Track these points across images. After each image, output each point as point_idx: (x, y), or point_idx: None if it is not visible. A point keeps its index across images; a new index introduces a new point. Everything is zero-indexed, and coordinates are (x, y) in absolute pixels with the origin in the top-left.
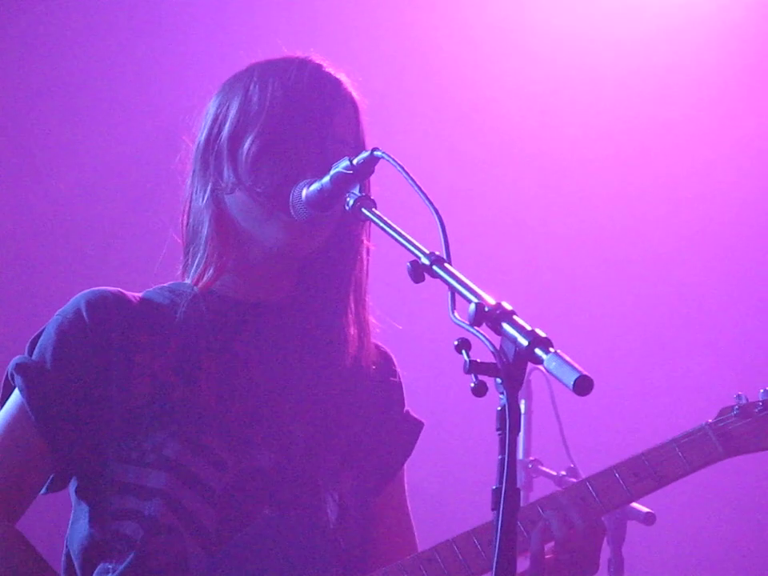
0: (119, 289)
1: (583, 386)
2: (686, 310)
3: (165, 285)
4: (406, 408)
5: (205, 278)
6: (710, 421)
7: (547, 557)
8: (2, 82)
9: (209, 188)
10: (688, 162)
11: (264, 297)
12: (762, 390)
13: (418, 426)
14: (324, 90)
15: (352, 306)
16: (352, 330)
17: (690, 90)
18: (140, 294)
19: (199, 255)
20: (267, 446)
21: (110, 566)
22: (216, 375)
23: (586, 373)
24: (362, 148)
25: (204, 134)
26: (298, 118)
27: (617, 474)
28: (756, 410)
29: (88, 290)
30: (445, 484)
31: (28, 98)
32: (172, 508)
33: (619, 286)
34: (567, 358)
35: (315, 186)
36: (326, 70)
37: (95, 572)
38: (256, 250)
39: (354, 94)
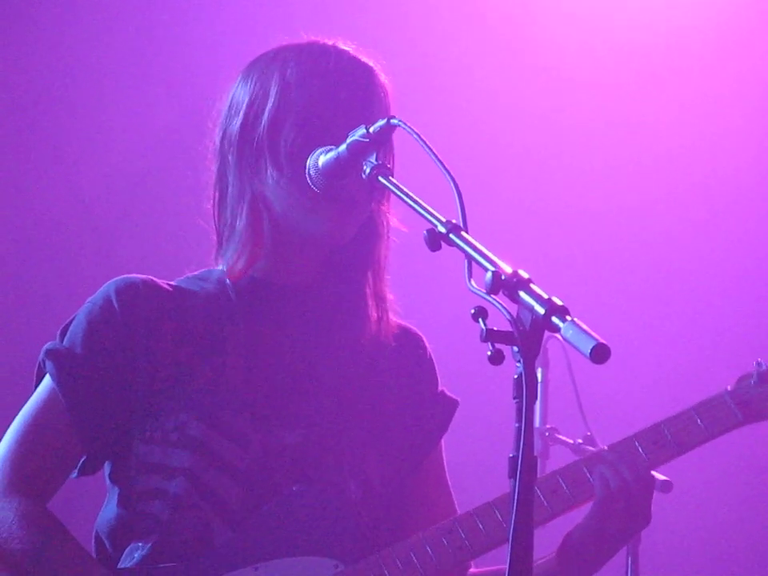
0: (150, 276)
1: (600, 353)
2: (704, 276)
3: (196, 273)
4: (440, 387)
5: (237, 267)
6: (728, 388)
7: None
8: (18, 75)
9: (245, 178)
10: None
11: (290, 280)
12: None
13: (452, 404)
14: (360, 79)
15: (371, 283)
16: (371, 310)
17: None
18: (172, 282)
19: (233, 245)
20: (291, 424)
21: (139, 544)
22: (242, 355)
23: (602, 341)
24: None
25: (238, 123)
26: (339, 108)
27: (636, 443)
28: None
29: (119, 278)
30: (462, 453)
31: (45, 90)
32: (195, 486)
33: (637, 252)
34: (584, 326)
35: (332, 155)
36: (360, 58)
37: (125, 552)
38: (293, 239)
39: (386, 81)
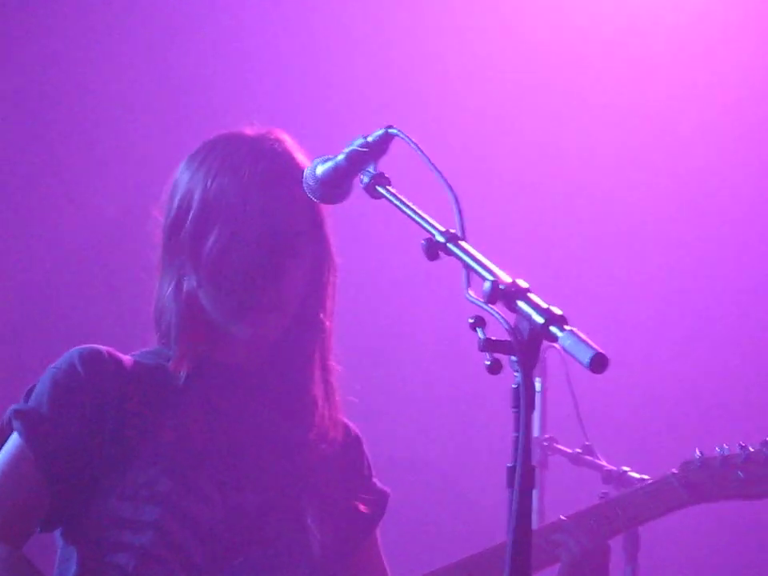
0: (109, 348)
1: (599, 363)
2: (704, 285)
3: (151, 349)
4: (373, 479)
5: (175, 361)
6: (674, 471)
7: None
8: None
9: (174, 276)
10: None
11: (237, 362)
12: (717, 448)
13: (384, 495)
14: (279, 182)
15: (317, 372)
16: (317, 392)
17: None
18: (128, 356)
19: (171, 340)
20: (251, 487)
21: None
22: (200, 423)
23: (601, 350)
24: (321, 229)
25: (170, 218)
26: (258, 218)
27: (590, 518)
28: (717, 464)
29: (80, 347)
30: (459, 462)
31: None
32: (163, 539)
33: (636, 263)
34: (582, 336)
35: (330, 164)
36: (278, 147)
37: None
38: (225, 335)
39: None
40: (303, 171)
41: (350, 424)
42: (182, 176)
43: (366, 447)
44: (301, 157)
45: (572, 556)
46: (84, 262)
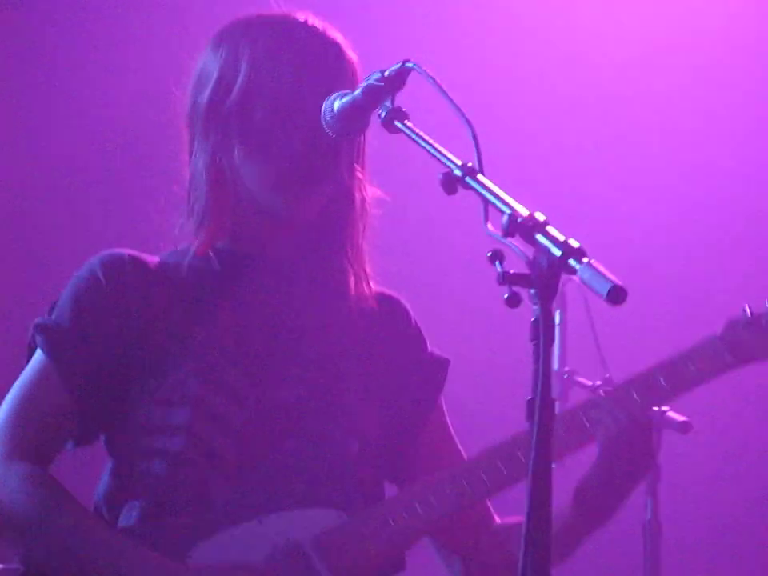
0: (131, 250)
1: (617, 295)
2: (725, 219)
3: (177, 249)
4: (429, 349)
5: (200, 240)
6: (717, 333)
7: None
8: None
9: (211, 152)
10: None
11: (268, 253)
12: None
13: (443, 364)
14: (330, 58)
15: (349, 256)
16: (350, 282)
17: None
18: (155, 258)
19: (194, 220)
20: (287, 381)
21: (135, 503)
22: (231, 318)
23: (619, 283)
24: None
25: (206, 96)
26: (308, 90)
27: (631, 389)
28: (763, 321)
29: (103, 252)
30: (479, 396)
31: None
32: (193, 443)
33: (654, 198)
34: (601, 268)
35: (347, 99)
36: (329, 34)
37: (122, 512)
38: (258, 213)
39: (354, 57)
40: (347, 54)
41: (395, 296)
42: (212, 57)
43: (414, 318)
44: (340, 37)
45: (609, 433)
46: (109, 158)
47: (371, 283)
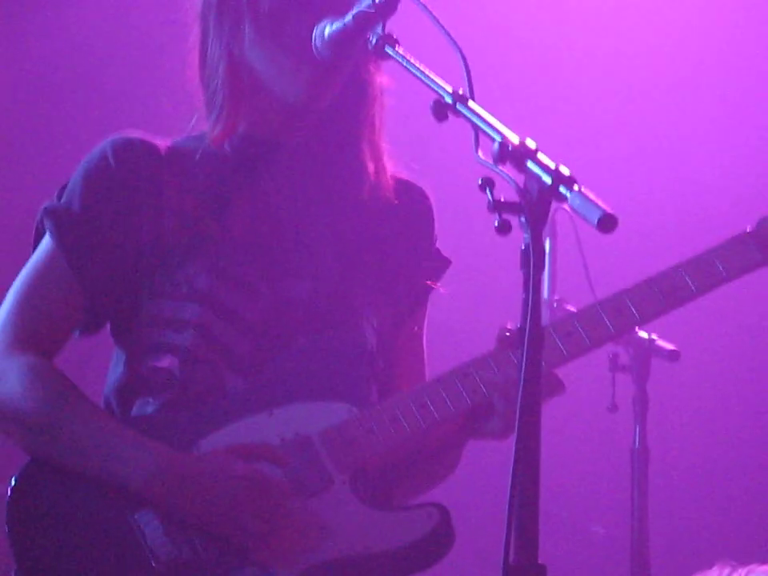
0: (144, 133)
1: (607, 223)
2: (718, 139)
3: (192, 134)
4: (436, 244)
5: (215, 131)
6: (748, 230)
7: None
8: None
9: (225, 40)
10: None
11: (285, 138)
12: None
13: (444, 262)
14: None
15: (366, 148)
16: (368, 165)
17: None
18: (167, 141)
19: (212, 108)
20: (300, 275)
21: (149, 399)
22: (244, 209)
23: (610, 210)
24: None
25: None
26: None
27: (653, 287)
28: None
29: (115, 136)
30: (469, 325)
31: None
32: (205, 339)
33: (645, 124)
34: (591, 196)
35: (338, 25)
36: None
37: (135, 406)
38: (273, 101)
39: None
40: None
41: (420, 185)
42: None
43: (434, 212)
44: None
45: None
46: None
47: (390, 172)
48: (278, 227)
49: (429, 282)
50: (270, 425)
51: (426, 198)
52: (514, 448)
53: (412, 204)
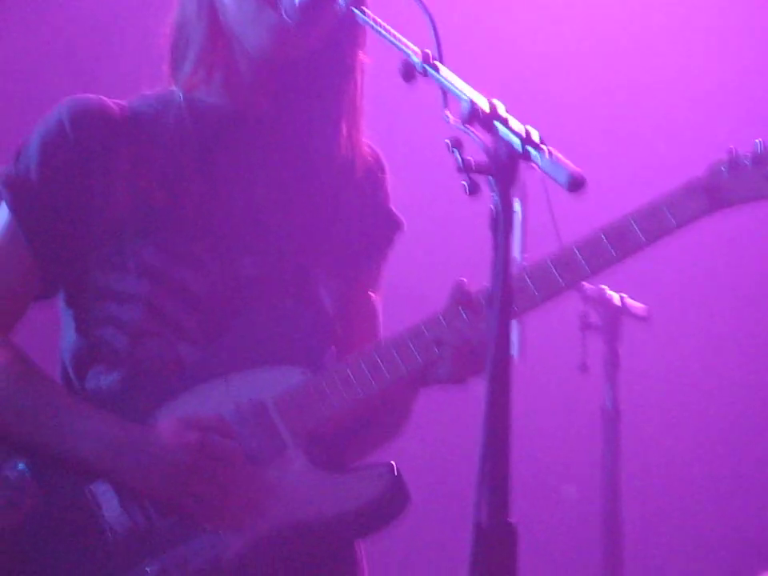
0: (102, 98)
1: (576, 182)
2: (688, 117)
3: (149, 93)
4: (390, 205)
5: (194, 78)
6: (698, 176)
7: None
8: None
9: None
10: None
11: (250, 108)
12: (757, 141)
13: (397, 223)
14: None
15: (344, 128)
16: (343, 149)
17: None
18: (125, 103)
19: (189, 56)
20: (252, 253)
21: (101, 368)
22: (199, 184)
23: (578, 170)
24: None
25: None
26: None
27: (603, 236)
28: (745, 162)
29: (70, 99)
30: (439, 285)
31: None
32: (154, 314)
33: (613, 81)
34: (560, 156)
35: None
36: None
37: (87, 376)
38: (242, 54)
39: None
40: None
41: (374, 147)
42: None
43: (387, 175)
44: None
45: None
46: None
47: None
48: (233, 203)
49: (381, 239)
50: (225, 391)
51: (379, 160)
52: (484, 409)
53: (366, 166)
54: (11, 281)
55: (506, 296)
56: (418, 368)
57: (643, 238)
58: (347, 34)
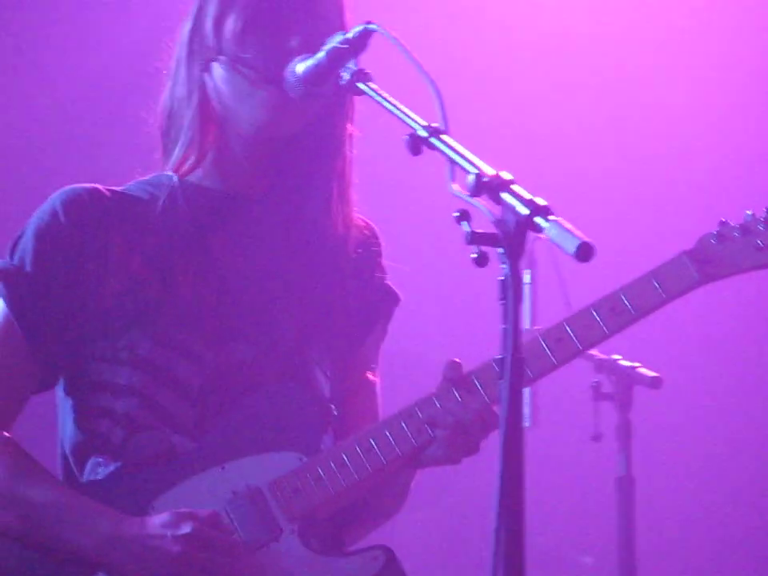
0: (95, 185)
1: (585, 252)
2: (685, 174)
3: (145, 178)
4: (386, 280)
5: (186, 164)
6: (687, 248)
7: None
8: None
9: (194, 73)
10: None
11: (243, 189)
12: (747, 212)
13: (394, 297)
14: None
15: (335, 200)
16: (337, 223)
17: None
18: (119, 189)
19: (181, 140)
20: (246, 339)
21: (99, 460)
22: (193, 271)
23: (587, 239)
24: (345, 28)
25: (189, 27)
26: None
27: (594, 312)
28: (734, 234)
29: (64, 189)
30: (448, 355)
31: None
32: (147, 405)
33: (617, 153)
34: (568, 226)
35: (310, 61)
36: None
37: (87, 467)
38: (237, 134)
39: None
40: None
41: (369, 223)
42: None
43: (382, 250)
44: None
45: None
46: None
47: (355, 222)
48: (228, 291)
49: (376, 314)
50: (222, 479)
51: (374, 234)
52: (498, 479)
53: (360, 239)
54: (10, 375)
55: (517, 367)
56: (412, 450)
57: (633, 312)
58: (338, 107)
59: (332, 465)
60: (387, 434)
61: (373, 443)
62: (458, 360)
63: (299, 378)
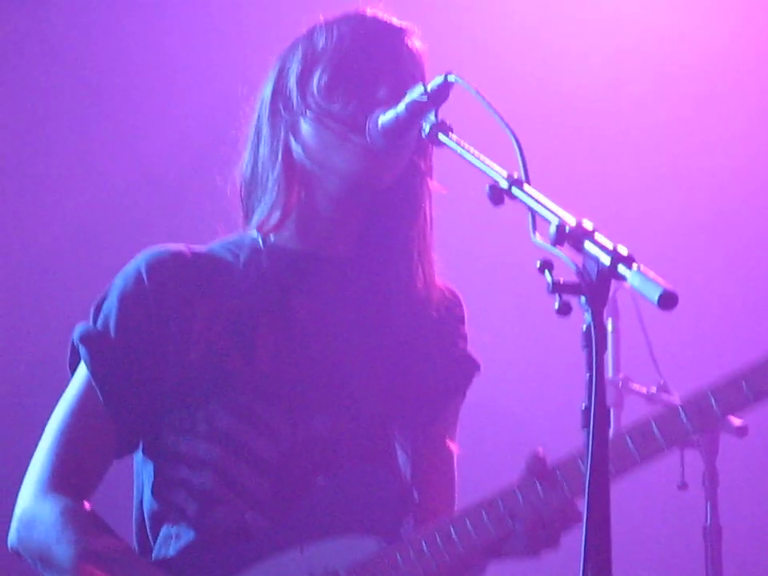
0: (179, 247)
1: (668, 300)
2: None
3: (228, 238)
4: (466, 347)
5: (270, 224)
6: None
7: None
8: (10, 88)
9: (278, 132)
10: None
11: (325, 250)
12: None
13: (473, 365)
14: (390, 31)
15: (416, 260)
16: (419, 285)
17: None
18: (203, 250)
19: (265, 200)
20: (327, 411)
21: (172, 531)
22: (272, 340)
23: (670, 287)
24: (425, 79)
25: (270, 88)
26: (367, 50)
27: (681, 410)
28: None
29: (149, 250)
30: (533, 406)
31: (38, 108)
32: (225, 480)
33: (703, 208)
34: (651, 274)
35: (390, 114)
36: (391, 19)
37: (159, 536)
38: (324, 191)
39: (419, 44)
40: (411, 31)
41: (452, 288)
42: (277, 62)
43: (465, 317)
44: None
45: (528, 528)
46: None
47: (436, 277)
48: (308, 360)
49: (456, 384)
50: (300, 562)
51: (458, 299)
52: (583, 531)
53: (443, 303)
54: (92, 442)
55: (602, 415)
56: (491, 540)
57: (718, 412)
58: (418, 162)
59: (411, 552)
60: (467, 523)
61: (452, 532)
62: (540, 450)
63: (380, 455)
